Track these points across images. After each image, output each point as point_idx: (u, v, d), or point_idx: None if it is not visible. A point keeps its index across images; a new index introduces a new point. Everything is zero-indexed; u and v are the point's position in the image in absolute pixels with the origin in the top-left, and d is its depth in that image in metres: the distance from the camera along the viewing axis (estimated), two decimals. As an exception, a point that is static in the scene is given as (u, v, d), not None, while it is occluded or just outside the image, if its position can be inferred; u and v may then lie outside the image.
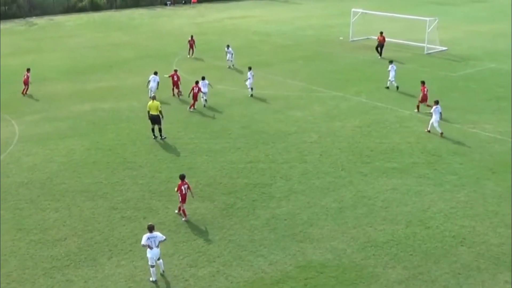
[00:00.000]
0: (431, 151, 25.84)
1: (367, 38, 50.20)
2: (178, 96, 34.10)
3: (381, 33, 44.97)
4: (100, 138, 27.82)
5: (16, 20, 65.36)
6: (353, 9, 52.76)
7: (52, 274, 17.16)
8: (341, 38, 49.44)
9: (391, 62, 36.36)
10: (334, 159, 25.17)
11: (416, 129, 28.55)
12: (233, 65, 41.41)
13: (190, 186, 20.46)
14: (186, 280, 16.90)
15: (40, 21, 65.57)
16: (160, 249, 16.96)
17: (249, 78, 33.60)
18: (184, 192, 19.98)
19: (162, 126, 27.37)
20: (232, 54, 41.43)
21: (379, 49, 44.50)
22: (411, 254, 18.02)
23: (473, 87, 36.14)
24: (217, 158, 25.28)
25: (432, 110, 28.05)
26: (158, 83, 33.30)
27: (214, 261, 17.75)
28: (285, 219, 20.14)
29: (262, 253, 18.13)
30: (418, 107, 31.12)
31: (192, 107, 31.66)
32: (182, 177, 20.20)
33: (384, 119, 30.14)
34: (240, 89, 35.78)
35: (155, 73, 33.76)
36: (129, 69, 41.76)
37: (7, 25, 62.64)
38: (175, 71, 34.99)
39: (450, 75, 39.03)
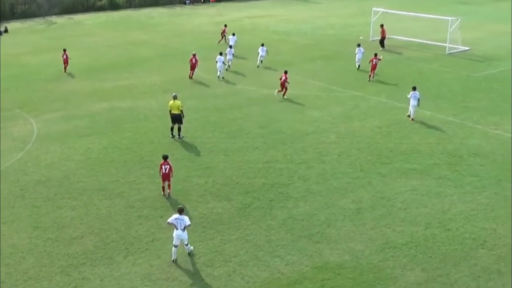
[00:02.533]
0: (452, 152, 25.45)
1: (388, 38, 49.70)
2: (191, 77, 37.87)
3: (382, 26, 47.03)
4: (118, 136, 27.86)
5: (36, 19, 65.92)
6: (374, 8, 52.34)
7: (69, 272, 17.16)
8: (361, 37, 49.02)
9: (358, 45, 40.57)
10: (352, 159, 24.91)
11: (437, 130, 28.17)
12: (261, 62, 41.74)
13: (172, 167, 21.45)
14: (202, 280, 16.80)
15: (60, 20, 66.07)
16: (188, 234, 17.55)
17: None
18: (164, 171, 21.22)
19: (182, 126, 27.37)
20: (265, 51, 42.01)
21: (383, 42, 46.61)
22: (430, 256, 17.73)
23: (495, 87, 35.58)
24: (234, 158, 25.16)
25: (409, 95, 29.50)
26: (223, 62, 37.64)
27: (231, 261, 17.62)
28: (302, 220, 19.95)
29: (279, 254, 17.96)
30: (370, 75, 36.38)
31: (280, 93, 33.61)
32: (164, 157, 21.52)
33: (404, 119, 29.77)
34: (259, 88, 35.65)
35: (220, 54, 38.03)
36: (147, 68, 41.84)
37: (27, 23, 63.27)
38: (194, 55, 37.88)
39: (472, 75, 38.48)
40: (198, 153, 25.74)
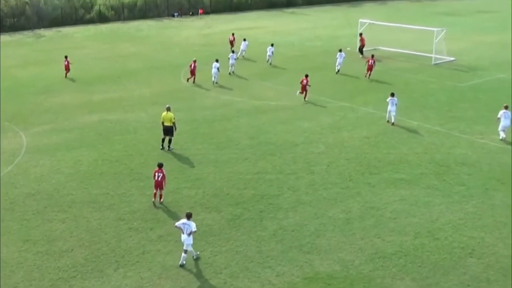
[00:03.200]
0: (439, 162, 25.70)
1: (375, 49, 50.19)
2: (187, 81, 40.11)
3: (361, 34, 49.47)
4: (107, 149, 27.86)
5: (25, 32, 65.83)
6: (360, 20, 52.87)
7: (59, 285, 17.10)
8: (348, 48, 49.46)
9: (340, 50, 43.19)
10: (341, 170, 25.08)
11: (424, 140, 28.44)
12: (270, 61, 46.19)
13: (165, 175, 21.82)
14: (193, 292, 16.82)
15: (48, 32, 66.02)
16: (193, 239, 17.86)
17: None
18: (156, 178, 21.59)
19: (173, 138, 27.46)
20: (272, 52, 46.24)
21: (362, 50, 48.82)
22: (420, 266, 17.87)
23: (481, 97, 36.01)
24: (224, 169, 25.25)
25: (388, 100, 30.82)
26: (218, 68, 39.20)
27: (221, 273, 17.66)
28: (293, 230, 20.05)
29: (270, 265, 18.03)
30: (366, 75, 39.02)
31: (301, 94, 35.56)
32: (159, 165, 21.86)
33: (391, 129, 30.04)
34: (248, 99, 35.84)
35: (217, 60, 39.62)
36: (136, 80, 41.91)
37: (15, 37, 63.18)
38: (194, 61, 39.98)
39: (458, 86, 38.92)
40: (188, 165, 25.80)
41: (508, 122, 28.26)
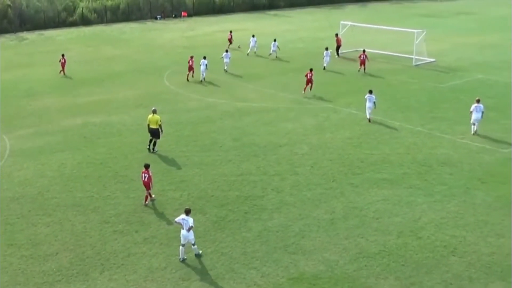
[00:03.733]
0: (421, 162, 26.02)
1: (356, 50, 50.52)
2: (187, 79, 41.54)
3: (336, 34, 50.67)
4: (92, 152, 27.82)
5: (7, 35, 65.32)
6: (341, 22, 53.26)
7: (44, 289, 17.10)
8: (330, 51, 49.70)
9: (326, 49, 45.47)
10: (325, 170, 25.30)
11: (406, 140, 28.76)
12: (276, 56, 49.16)
13: (151, 176, 22.03)
14: (179, 294, 16.90)
15: (31, 35, 65.59)
16: (194, 234, 18.31)
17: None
18: (143, 179, 21.91)
19: (158, 140, 27.55)
20: (276, 46, 49.20)
21: (338, 50, 49.94)
22: (403, 265, 18.11)
23: (461, 98, 36.45)
24: (208, 171, 25.34)
25: (366, 97, 31.82)
26: (206, 65, 40.73)
27: (207, 274, 17.75)
28: (277, 231, 20.20)
29: (255, 266, 18.16)
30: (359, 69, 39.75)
31: (305, 90, 37.24)
32: (146, 166, 22.11)
33: (374, 130, 30.34)
34: (231, 101, 35.96)
35: (204, 58, 41.21)
36: (120, 83, 41.83)
37: (-3, 40, 62.66)
38: (191, 57, 41.60)
39: (438, 86, 39.38)
40: (172, 167, 25.85)
41: (479, 115, 29.12)
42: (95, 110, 34.85)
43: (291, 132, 30.26)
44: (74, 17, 73.27)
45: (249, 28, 67.81)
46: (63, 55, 44.45)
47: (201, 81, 40.91)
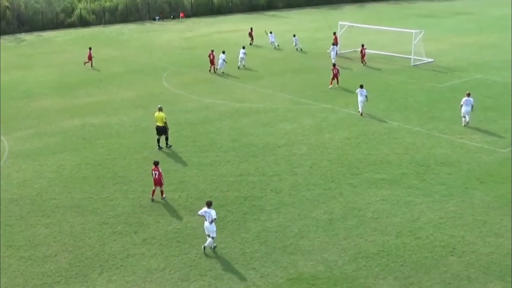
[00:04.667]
0: (420, 162, 26.05)
1: (354, 51, 50.62)
2: (215, 71, 44.22)
3: (334, 33, 51.10)
4: (90, 153, 27.82)
5: (5, 37, 65.32)
6: (340, 22, 53.32)
7: (43, 290, 17.11)
8: (328, 51, 49.75)
9: (333, 44, 47.38)
10: (323, 171, 25.32)
11: (404, 140, 28.79)
12: (299, 48, 52.20)
13: (162, 173, 22.44)
14: (178, 294, 16.91)
15: (29, 37, 65.60)
16: (215, 227, 18.76)
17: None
18: (153, 176, 22.24)
19: (169, 135, 28.23)
20: (297, 42, 52.11)
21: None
22: (402, 265, 18.13)
23: (460, 97, 36.23)
24: (207, 172, 25.36)
25: (357, 91, 33.06)
26: (224, 60, 43.62)
27: (206, 275, 17.77)
28: (276, 232, 20.21)
29: (254, 266, 18.17)
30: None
31: (332, 85, 38.92)
32: (155, 163, 22.52)
33: (372, 130, 30.37)
34: (229, 102, 35.98)
35: (223, 52, 44.21)
36: (119, 84, 41.83)
37: (-5, 41, 62.65)
38: (212, 51, 44.21)
39: (437, 87, 39.42)
40: (171, 168, 25.84)
41: (469, 108, 30.34)
42: (94, 111, 34.85)
43: (289, 132, 30.28)
44: (73, 19, 73.28)
45: (247, 29, 67.70)
46: (90, 48, 47.68)
47: (222, 72, 43.95)
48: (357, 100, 32.92)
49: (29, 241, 19.80)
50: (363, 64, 45.70)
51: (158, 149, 27.90)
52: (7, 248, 19.36)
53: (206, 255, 18.78)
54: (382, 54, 49.51)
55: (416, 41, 46.34)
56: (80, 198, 22.96)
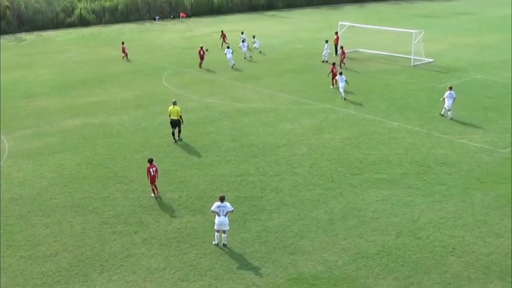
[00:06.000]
0: (420, 162, 26.05)
1: (355, 51, 50.66)
2: (200, 66, 45.92)
3: (336, 33, 50.97)
4: (91, 153, 27.83)
5: (6, 36, 65.40)
6: (340, 22, 53.30)
7: (43, 290, 17.11)
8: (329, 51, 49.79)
9: (326, 41, 47.64)
10: (324, 171, 25.32)
11: (404, 140, 28.79)
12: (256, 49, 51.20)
13: (158, 169, 22.86)
14: (178, 294, 16.91)
15: (30, 36, 65.63)
16: (229, 220, 19.20)
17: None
18: (152, 174, 22.52)
19: (182, 129, 29.21)
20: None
21: (336, 47, 49.81)
22: (402, 265, 18.13)
23: (459, 98, 36.37)
24: (207, 172, 25.36)
25: (337, 78, 36.14)
26: (232, 53, 46.08)
27: (206, 275, 17.77)
28: (276, 232, 20.22)
29: (254, 266, 18.18)
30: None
31: (335, 85, 38.44)
32: (150, 161, 22.75)
33: (372, 130, 30.37)
34: (230, 102, 35.98)
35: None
36: (119, 84, 41.84)
37: (-5, 41, 62.70)
38: (201, 47, 46.19)
39: (437, 87, 39.41)
40: (171, 168, 25.85)
41: (451, 101, 31.79)
42: (94, 111, 34.86)
43: (289, 132, 30.28)
44: (73, 18, 73.38)
45: (247, 28, 67.78)
46: (123, 43, 51.04)
47: (231, 67, 45.76)
48: (340, 86, 35.78)
49: (29, 240, 19.81)
50: (341, 67, 43.90)
51: (174, 141, 28.91)
52: (7, 247, 19.36)
53: (208, 254, 18.78)
54: (382, 54, 49.53)
55: (416, 41, 46.35)
56: (80, 198, 22.97)
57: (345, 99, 35.59)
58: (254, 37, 54.13)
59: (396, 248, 19.04)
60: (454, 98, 31.88)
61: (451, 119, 31.69)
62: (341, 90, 35.96)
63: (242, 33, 53.24)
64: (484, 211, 21.46)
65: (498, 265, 17.96)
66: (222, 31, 56.37)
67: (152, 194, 22.89)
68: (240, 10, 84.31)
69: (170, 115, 28.94)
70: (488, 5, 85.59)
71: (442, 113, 32.39)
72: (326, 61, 46.15)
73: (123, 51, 50.53)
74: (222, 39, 55.50)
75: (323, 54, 47.21)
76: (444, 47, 53.72)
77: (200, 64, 46.09)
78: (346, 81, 35.79)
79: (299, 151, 27.62)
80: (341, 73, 36.24)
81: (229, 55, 46.03)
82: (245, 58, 49.33)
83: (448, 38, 59.25)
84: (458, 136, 29.28)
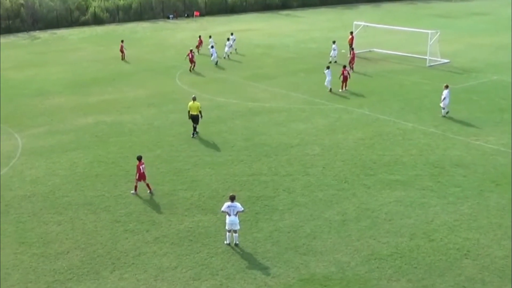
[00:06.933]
0: (434, 163, 25.80)
1: (369, 51, 50.37)
2: (190, 70, 44.50)
3: (351, 33, 50.12)
4: (103, 151, 27.86)
5: (20, 34, 65.79)
6: (355, 22, 53.02)
7: (55, 287, 17.09)
8: (343, 51, 49.55)
9: (334, 42, 46.90)
10: (337, 171, 25.15)
11: (419, 141, 28.53)
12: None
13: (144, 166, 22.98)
14: (189, 294, 16.85)
15: (43, 34, 65.97)
16: (239, 220, 19.08)
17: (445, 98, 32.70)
18: (142, 171, 22.64)
19: (198, 125, 29.62)
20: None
21: (351, 47, 48.87)
22: (415, 267, 17.94)
23: (475, 99, 36.17)
24: (220, 171, 25.28)
25: (325, 72, 37.41)
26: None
27: (217, 274, 17.69)
28: (288, 232, 20.09)
29: (265, 266, 18.07)
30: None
31: (344, 88, 38.12)
32: (139, 158, 22.91)
33: (386, 131, 30.13)
34: (242, 101, 35.89)
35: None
36: (131, 82, 41.90)
37: (10, 39, 63.10)
38: (191, 50, 44.76)
39: (452, 88, 38.80)
40: (183, 167, 25.81)
41: (448, 100, 32.28)
42: (107, 109, 34.92)
43: (302, 132, 30.13)
44: (87, 16, 73.62)
45: (261, 28, 67.84)
46: (122, 41, 50.79)
47: (224, 57, 47.85)
48: (326, 80, 37.25)
49: (42, 238, 19.84)
50: (350, 68, 42.33)
51: (192, 137, 29.40)
52: (20, 244, 19.40)
53: (220, 253, 18.70)
54: (397, 54, 49.19)
55: (431, 41, 45.96)
56: (93, 196, 22.98)
57: (330, 90, 37.30)
58: (230, 36, 51.54)
59: (410, 250, 18.85)
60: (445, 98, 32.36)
61: (444, 116, 32.20)
62: (326, 83, 37.48)
63: (210, 37, 51.38)
64: (499, 213, 21.19)
65: (514, 269, 17.72)
66: (199, 36, 53.62)
67: (133, 191, 22.99)
68: (254, 9, 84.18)
69: (189, 111, 29.32)
70: (504, 5, 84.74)
71: (443, 115, 32.37)
72: (335, 62, 45.73)
73: (121, 50, 49.76)
74: (198, 44, 52.26)
75: (330, 54, 46.80)
76: (459, 48, 53.27)
77: (191, 68, 44.48)
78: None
79: (312, 151, 27.46)
80: (328, 67, 37.67)
81: (214, 54, 46.72)
82: (224, 58, 49.20)
83: (464, 38, 58.75)
84: (473, 138, 28.97)
